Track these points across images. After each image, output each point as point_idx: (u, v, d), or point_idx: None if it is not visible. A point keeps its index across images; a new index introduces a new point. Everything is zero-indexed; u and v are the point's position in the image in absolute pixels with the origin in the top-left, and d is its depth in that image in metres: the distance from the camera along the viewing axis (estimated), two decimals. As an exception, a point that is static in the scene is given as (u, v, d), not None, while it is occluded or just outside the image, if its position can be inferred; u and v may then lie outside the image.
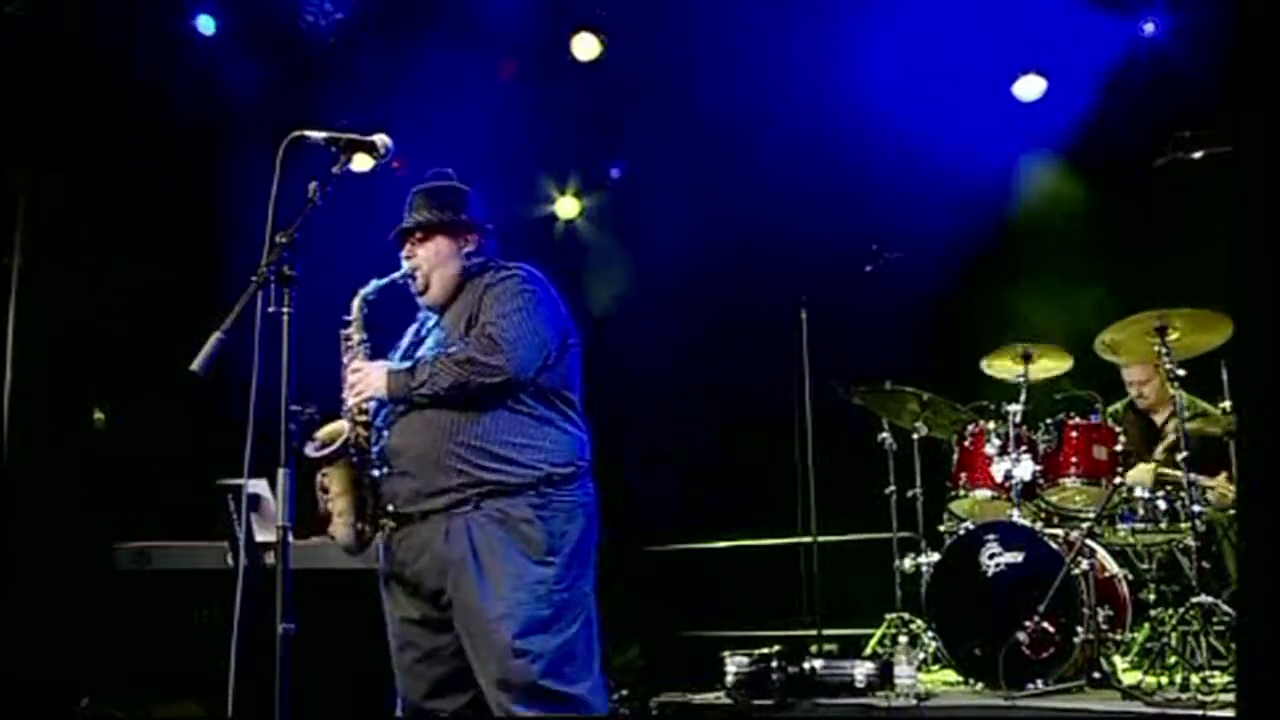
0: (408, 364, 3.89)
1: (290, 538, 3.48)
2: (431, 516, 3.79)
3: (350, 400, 3.87)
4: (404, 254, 4.07)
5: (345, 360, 3.92)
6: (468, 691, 3.83)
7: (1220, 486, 6.02)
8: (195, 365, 3.38)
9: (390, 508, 3.83)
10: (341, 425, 3.86)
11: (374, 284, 3.96)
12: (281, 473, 3.50)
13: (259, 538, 4.75)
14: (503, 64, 7.38)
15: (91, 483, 6.16)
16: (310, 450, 3.78)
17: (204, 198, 7.11)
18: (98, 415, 5.86)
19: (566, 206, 8.55)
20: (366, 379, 3.86)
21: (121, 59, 6.68)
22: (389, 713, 5.27)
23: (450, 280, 4.04)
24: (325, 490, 3.85)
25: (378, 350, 4.00)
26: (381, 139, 3.75)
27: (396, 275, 4.02)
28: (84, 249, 6.39)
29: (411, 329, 4.17)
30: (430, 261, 4.04)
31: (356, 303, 3.94)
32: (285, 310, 3.49)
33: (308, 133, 3.65)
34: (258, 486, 5.00)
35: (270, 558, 3.54)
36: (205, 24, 7.16)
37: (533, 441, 3.83)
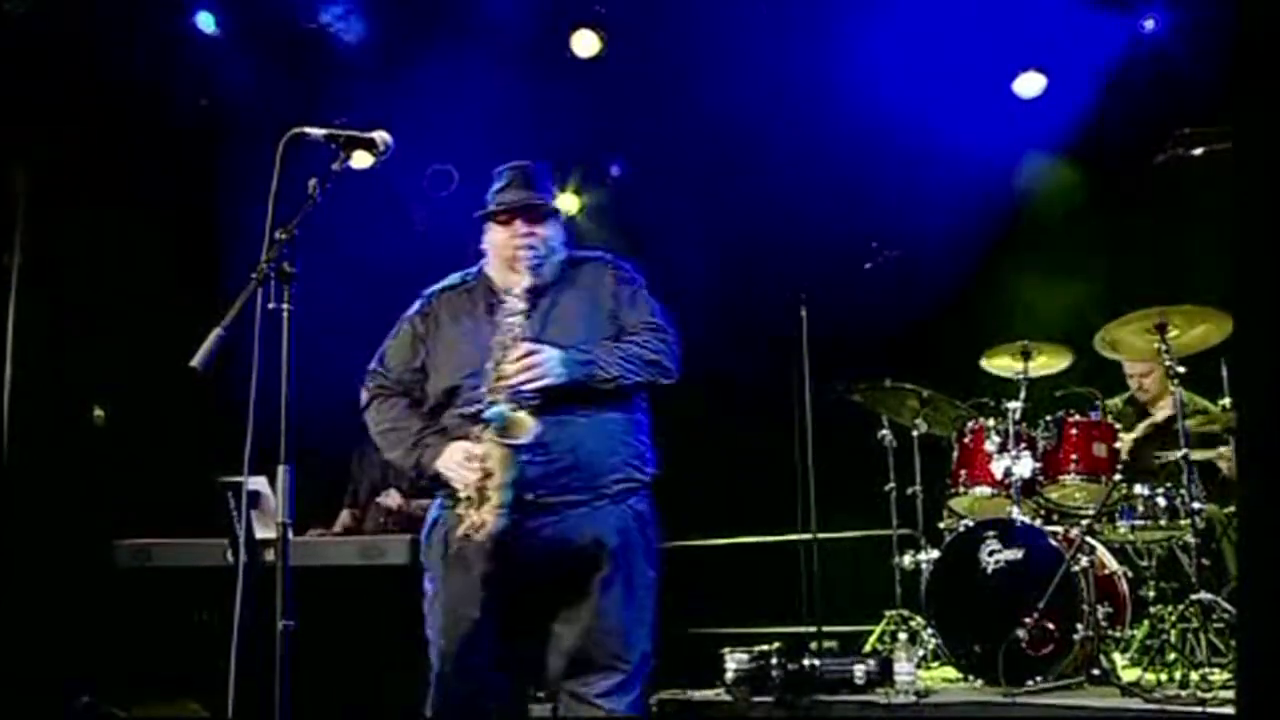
0: (583, 352, 3.79)
1: (290, 534, 3.50)
2: (578, 508, 3.76)
3: (528, 383, 3.67)
4: (522, 232, 3.92)
5: (508, 340, 3.76)
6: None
7: (1225, 455, 6.04)
8: (195, 362, 3.38)
9: (530, 496, 3.71)
10: (527, 416, 3.67)
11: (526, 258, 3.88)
12: (281, 469, 3.50)
13: (259, 535, 4.74)
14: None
15: (91, 480, 6.17)
16: (507, 440, 3.62)
17: (203, 195, 7.11)
18: (98, 413, 5.85)
19: (566, 203, 8.54)
20: (545, 363, 3.71)
21: (121, 57, 6.67)
22: (388, 709, 5.29)
23: (557, 265, 3.98)
24: (486, 475, 3.65)
25: (376, 329, 4.02)
26: (381, 136, 3.74)
27: (527, 255, 3.89)
28: (84, 247, 6.39)
29: (467, 312, 3.98)
30: (548, 243, 3.96)
31: (525, 283, 3.84)
32: (285, 307, 3.49)
33: (307, 130, 3.65)
34: (257, 483, 5.00)
35: (270, 555, 3.54)
36: (205, 21, 7.15)
37: (650, 444, 3.98)
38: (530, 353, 3.70)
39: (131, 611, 5.44)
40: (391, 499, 6.60)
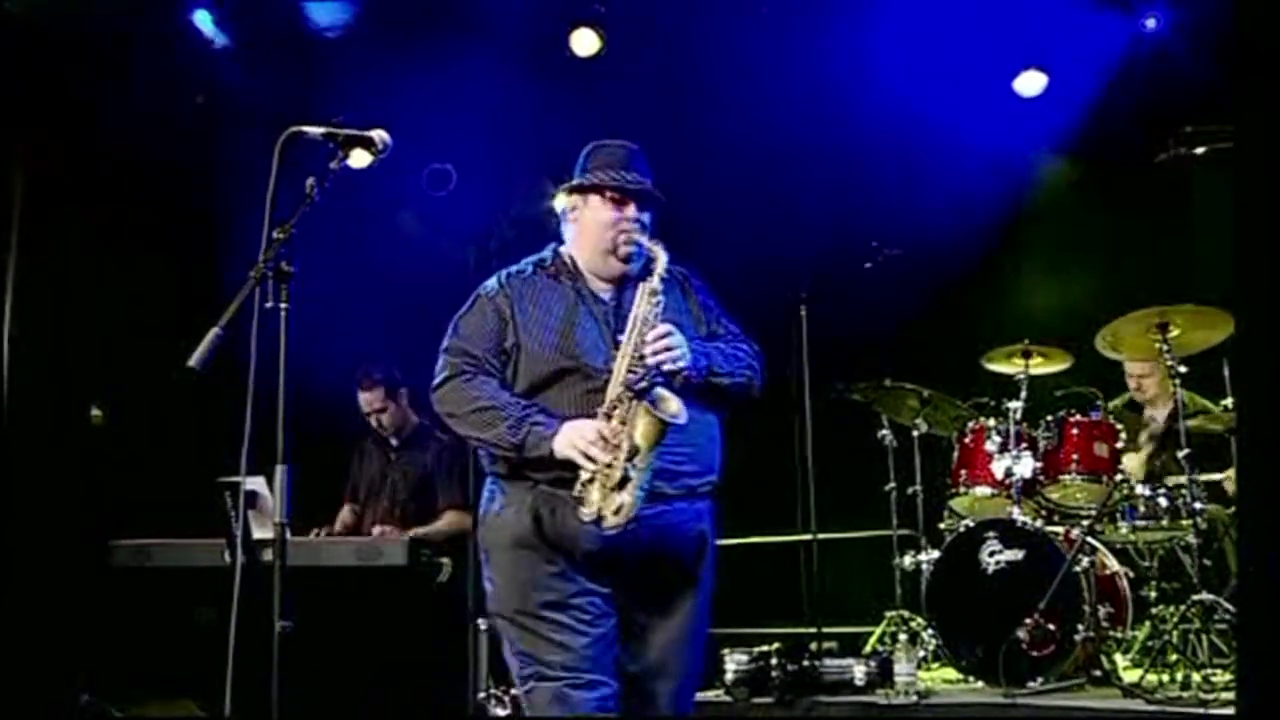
0: (701, 345, 3.67)
1: (288, 535, 3.49)
2: (683, 501, 3.65)
3: (667, 363, 3.50)
4: (633, 215, 3.73)
5: (651, 319, 3.57)
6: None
7: (1232, 478, 6.01)
8: (193, 361, 3.37)
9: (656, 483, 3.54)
10: (674, 397, 3.49)
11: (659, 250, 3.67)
12: (279, 469, 3.50)
13: (257, 535, 4.73)
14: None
15: (89, 479, 6.15)
16: (668, 415, 3.43)
17: (201, 194, 7.09)
18: (95, 412, 5.84)
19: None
20: (681, 346, 3.55)
21: (119, 55, 6.65)
22: (385, 709, 5.28)
23: (642, 261, 3.75)
24: (633, 452, 3.44)
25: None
26: (380, 135, 3.73)
27: (633, 242, 3.70)
28: (82, 246, 6.38)
29: (555, 295, 3.75)
30: (647, 233, 3.75)
31: (664, 264, 3.62)
32: (283, 306, 3.48)
33: (305, 128, 3.63)
34: (255, 483, 4.99)
35: (268, 555, 3.52)
36: (203, 20, 7.14)
37: None
38: (669, 334, 3.54)
39: (130, 611, 5.43)
40: (346, 515, 6.62)
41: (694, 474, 3.67)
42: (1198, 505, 5.59)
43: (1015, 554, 5.76)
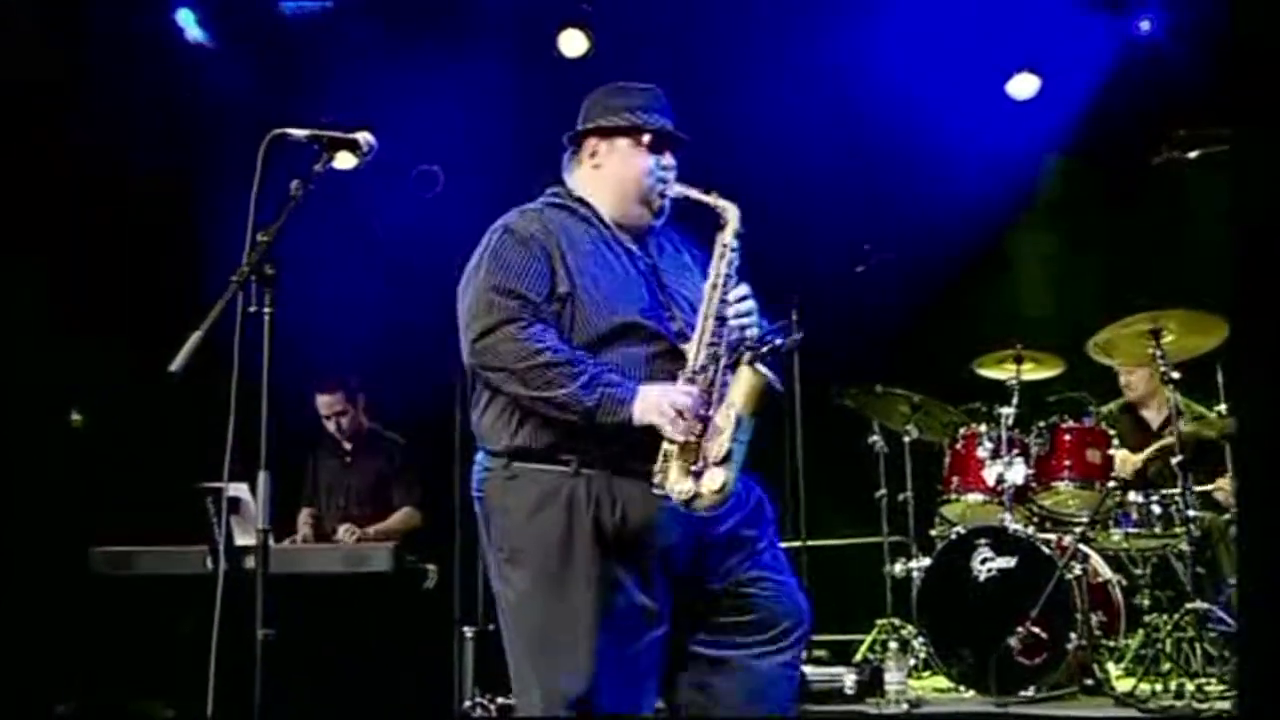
0: None
1: (270, 541, 3.44)
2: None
3: (748, 328, 3.25)
4: (669, 164, 3.45)
5: (725, 285, 3.27)
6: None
7: (1221, 487, 5.98)
8: (174, 366, 3.31)
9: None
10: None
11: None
12: (262, 475, 3.44)
13: (240, 541, 4.67)
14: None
15: (69, 486, 6.07)
16: (775, 380, 3.17)
17: (185, 196, 7.03)
18: (75, 416, 5.77)
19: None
20: (755, 311, 3.28)
21: (102, 56, 6.59)
22: (370, 717, 5.22)
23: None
24: (736, 426, 3.11)
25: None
26: (365, 137, 3.66)
27: (666, 192, 3.43)
28: (61, 248, 6.30)
29: (594, 241, 3.37)
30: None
31: (736, 218, 3.34)
32: (267, 310, 3.42)
33: (290, 130, 3.57)
34: (238, 490, 4.95)
35: (251, 561, 3.47)
36: (186, 19, 7.08)
37: None
38: (748, 296, 3.27)
39: (111, 619, 5.36)
40: (305, 520, 6.59)
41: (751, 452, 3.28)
42: (1191, 512, 5.56)
43: (1007, 561, 5.72)
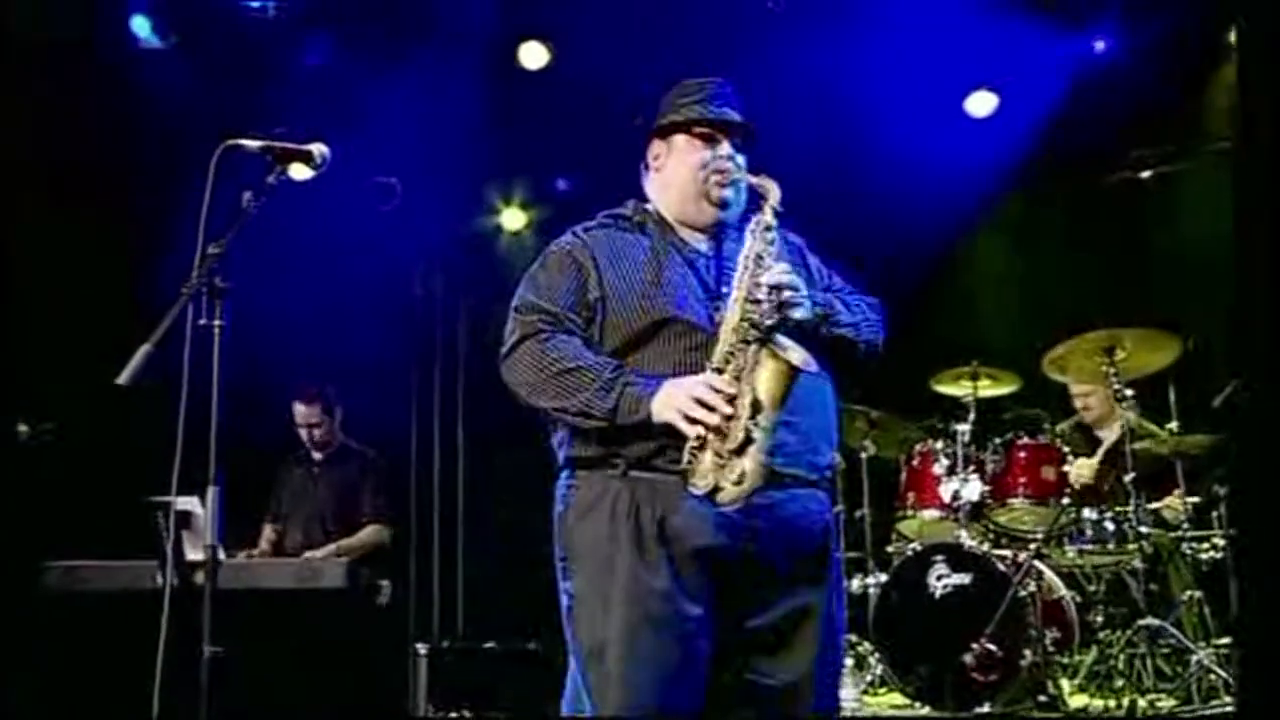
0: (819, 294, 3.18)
1: (221, 556, 3.40)
2: (806, 488, 3.10)
3: (786, 305, 3.01)
4: (726, 153, 3.28)
5: (767, 255, 3.09)
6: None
7: (1173, 505, 6.02)
8: (122, 379, 3.27)
9: (774, 460, 2.98)
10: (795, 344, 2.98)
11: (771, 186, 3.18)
12: (210, 490, 3.40)
13: (190, 556, 4.60)
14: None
15: (16, 499, 5.99)
16: (798, 361, 2.93)
17: (136, 206, 6.96)
18: (22, 428, 5.68)
19: (513, 218, 8.44)
20: (800, 288, 3.05)
21: (53, 62, 6.52)
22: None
23: (739, 210, 3.30)
24: (754, 413, 2.91)
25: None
26: (318, 148, 3.63)
27: (729, 183, 3.26)
28: (6, 258, 6.22)
29: (639, 248, 3.25)
30: (743, 171, 3.29)
31: (776, 197, 3.16)
32: (216, 323, 3.38)
33: (242, 141, 3.54)
34: (189, 503, 4.87)
35: (201, 577, 3.42)
36: (140, 26, 7.01)
37: None
38: (786, 271, 3.04)
39: (57, 636, 5.27)
40: (269, 533, 6.54)
41: (813, 458, 3.11)
42: (1143, 529, 5.60)
43: (963, 578, 5.72)
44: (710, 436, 2.91)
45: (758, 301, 2.99)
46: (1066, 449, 6.13)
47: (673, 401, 2.95)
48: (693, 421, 2.91)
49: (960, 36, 7.06)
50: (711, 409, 2.90)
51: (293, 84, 7.10)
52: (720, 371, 2.96)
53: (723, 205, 3.26)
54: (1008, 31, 6.99)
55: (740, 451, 2.90)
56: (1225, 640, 5.53)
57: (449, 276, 7.91)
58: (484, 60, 7.34)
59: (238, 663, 3.29)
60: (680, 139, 3.33)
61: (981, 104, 7.47)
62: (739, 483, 2.89)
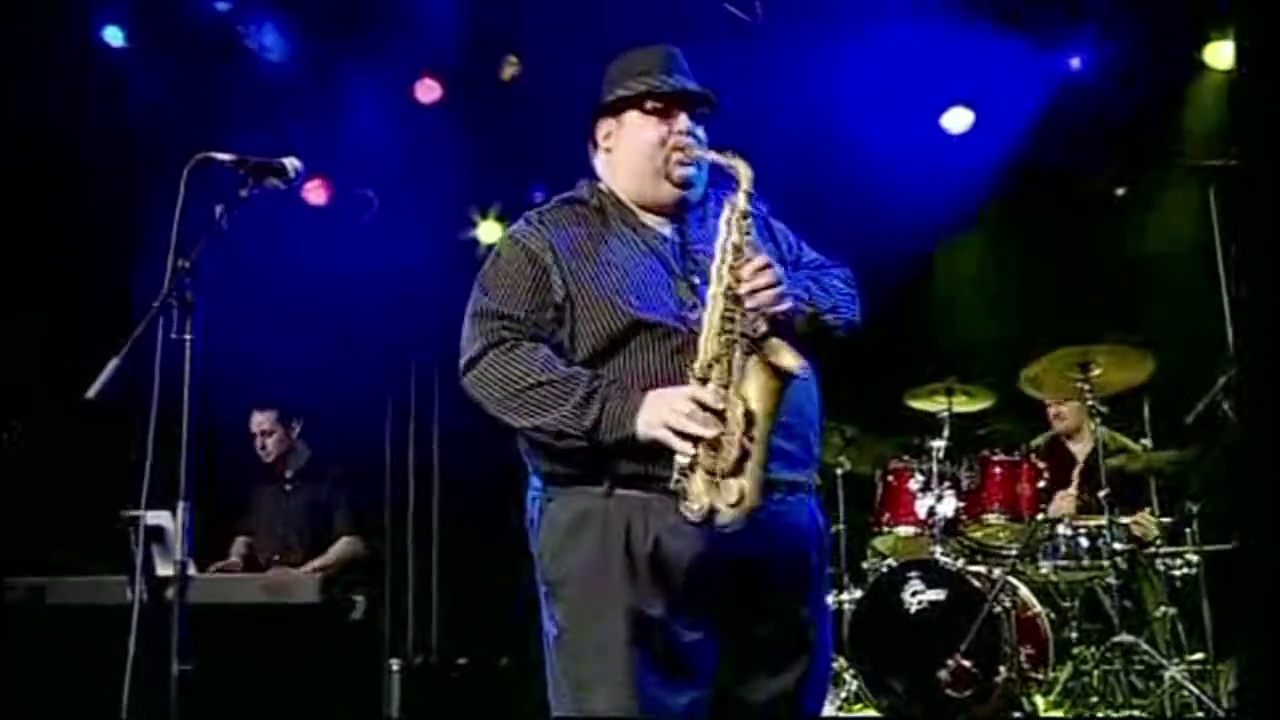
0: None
1: (192, 570, 3.37)
2: (798, 494, 2.89)
3: (769, 304, 2.79)
4: (683, 127, 3.00)
5: (744, 245, 2.80)
6: None
7: (1142, 522, 6.03)
8: (91, 393, 3.25)
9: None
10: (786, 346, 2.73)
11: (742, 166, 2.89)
12: (180, 505, 3.37)
13: (161, 571, 4.57)
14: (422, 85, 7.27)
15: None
16: (793, 367, 2.68)
17: (109, 219, 6.91)
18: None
19: (489, 231, 8.42)
20: (783, 280, 2.81)
21: (27, 73, 6.48)
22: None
23: (703, 186, 3.05)
24: (748, 427, 2.66)
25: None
26: (291, 162, 3.61)
27: (688, 160, 2.98)
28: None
29: (597, 237, 2.97)
30: (704, 145, 3.02)
31: (749, 178, 2.87)
32: (187, 337, 3.36)
33: (215, 155, 3.51)
34: (160, 518, 4.84)
35: (171, 593, 3.39)
36: (113, 36, 6.97)
37: None
38: (767, 265, 2.77)
39: (25, 652, 5.22)
40: (240, 547, 6.49)
41: (805, 461, 2.90)
42: (1117, 545, 5.61)
43: (937, 594, 5.73)
44: (701, 455, 2.66)
45: (739, 299, 2.75)
46: (1042, 465, 6.14)
47: (660, 417, 2.69)
48: (686, 438, 2.66)
49: (937, 53, 7.09)
50: (702, 423, 2.66)
51: (264, 97, 7.07)
52: (705, 381, 2.70)
53: (685, 184, 3.00)
54: (984, 50, 7.02)
55: (736, 470, 2.65)
56: (1198, 656, 5.54)
57: (424, 290, 7.88)
58: (457, 70, 7.34)
59: (209, 678, 3.26)
60: (633, 115, 3.03)
61: (958, 120, 7.50)
62: (737, 504, 2.64)
